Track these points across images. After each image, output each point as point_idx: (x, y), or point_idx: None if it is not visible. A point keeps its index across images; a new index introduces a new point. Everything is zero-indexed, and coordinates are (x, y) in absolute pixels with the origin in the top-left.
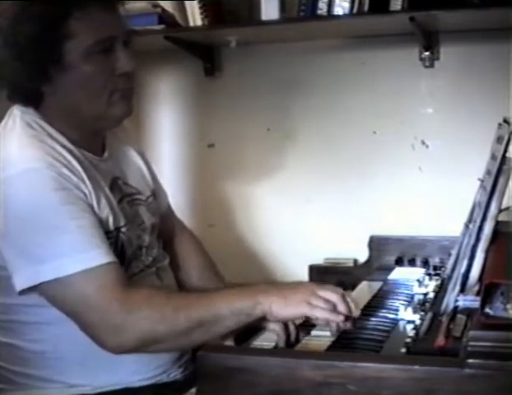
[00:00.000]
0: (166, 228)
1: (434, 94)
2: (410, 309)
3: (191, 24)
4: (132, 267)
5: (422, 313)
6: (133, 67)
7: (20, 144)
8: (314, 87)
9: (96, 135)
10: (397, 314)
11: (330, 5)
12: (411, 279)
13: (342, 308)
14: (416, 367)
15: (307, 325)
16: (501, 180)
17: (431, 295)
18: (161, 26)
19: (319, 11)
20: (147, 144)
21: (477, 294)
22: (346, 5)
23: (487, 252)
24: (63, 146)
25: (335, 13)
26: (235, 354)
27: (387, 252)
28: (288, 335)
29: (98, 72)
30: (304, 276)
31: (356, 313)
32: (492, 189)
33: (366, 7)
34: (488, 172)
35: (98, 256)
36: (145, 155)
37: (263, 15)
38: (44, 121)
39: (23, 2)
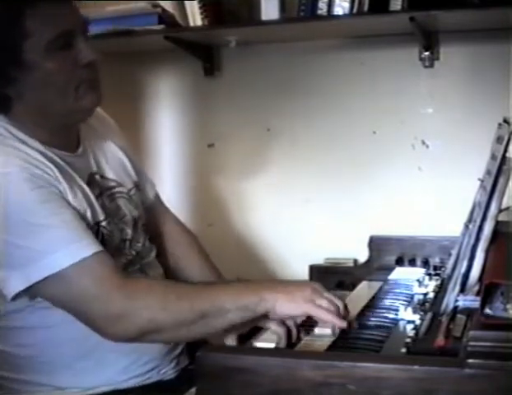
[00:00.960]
0: (154, 218)
1: (434, 94)
2: (410, 309)
3: (191, 24)
4: (119, 261)
5: (422, 313)
6: (96, 57)
7: None
8: (313, 87)
9: (69, 131)
10: (397, 314)
11: (330, 5)
12: (411, 279)
13: (344, 313)
14: (416, 367)
15: (307, 325)
16: (501, 180)
17: (431, 295)
18: (161, 26)
19: (319, 11)
20: (147, 144)
21: (477, 294)
22: (346, 5)
23: (487, 252)
24: (34, 149)
25: (335, 13)
26: (235, 354)
27: (387, 252)
28: (290, 335)
29: (60, 67)
30: (305, 276)
31: (354, 325)
32: (492, 189)
33: (366, 7)
34: (488, 172)
35: (88, 246)
36: (128, 148)
37: (263, 15)
38: (13, 126)
39: None
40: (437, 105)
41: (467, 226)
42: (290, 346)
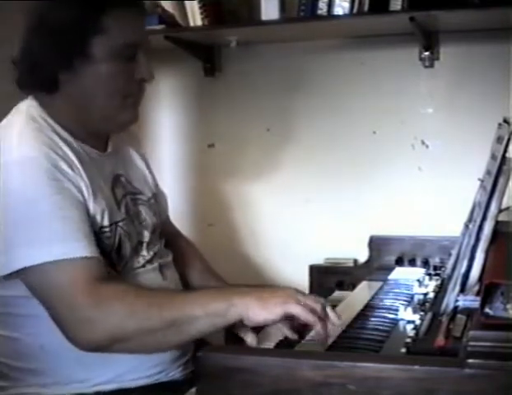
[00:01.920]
0: (164, 234)
1: (434, 94)
2: (410, 309)
3: (191, 24)
4: (133, 262)
5: (422, 313)
6: (152, 78)
7: (21, 134)
8: (313, 87)
9: (100, 133)
10: (397, 314)
11: (330, 5)
12: (411, 279)
13: (320, 314)
14: (416, 367)
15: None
16: (501, 180)
17: (431, 295)
18: (161, 26)
19: (319, 11)
20: (147, 144)
21: (477, 294)
22: (346, 5)
23: (487, 252)
24: (64, 140)
25: (335, 13)
26: (235, 354)
27: (387, 252)
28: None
29: (117, 74)
30: (305, 276)
31: (338, 322)
32: (492, 189)
33: (366, 7)
34: (488, 172)
35: (77, 248)
36: (147, 159)
37: (263, 15)
38: (50, 116)
39: None
40: (437, 105)
41: (467, 226)
42: (290, 346)
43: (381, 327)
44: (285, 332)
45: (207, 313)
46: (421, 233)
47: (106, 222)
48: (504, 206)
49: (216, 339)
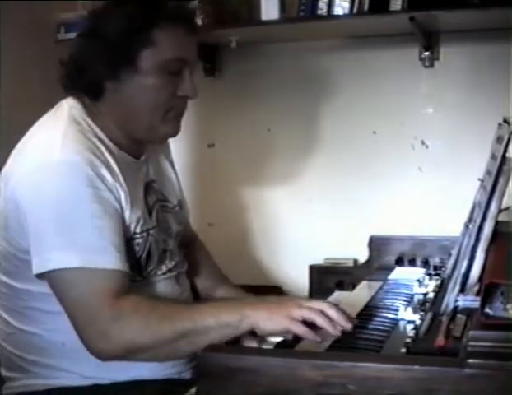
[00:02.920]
0: (186, 239)
1: (434, 94)
2: (410, 309)
3: None
4: (157, 269)
5: (422, 313)
6: (196, 96)
7: (66, 134)
8: (313, 87)
9: (139, 141)
10: (397, 314)
11: (330, 5)
12: (411, 279)
13: (331, 312)
14: (416, 367)
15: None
16: (501, 180)
17: (431, 295)
18: None
19: (319, 11)
20: None
21: (477, 294)
22: (346, 5)
23: (487, 252)
24: (106, 146)
25: (335, 13)
26: (236, 354)
27: (387, 252)
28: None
29: (163, 87)
30: (305, 276)
31: (347, 326)
32: (492, 189)
33: (366, 7)
34: (488, 172)
35: (105, 260)
36: (174, 165)
37: (263, 15)
38: (94, 122)
39: (116, 1)
40: (437, 105)
41: (467, 226)
42: (290, 346)
43: (381, 327)
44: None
45: (219, 324)
46: (421, 233)
47: (139, 229)
48: (504, 206)
49: None
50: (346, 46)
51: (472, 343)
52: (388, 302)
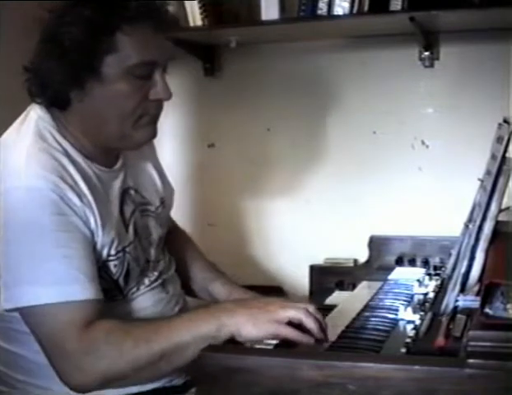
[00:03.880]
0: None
1: (434, 94)
2: (410, 309)
3: (191, 24)
4: (140, 285)
5: (422, 313)
6: (169, 96)
7: (28, 157)
8: (313, 87)
9: (111, 150)
10: (397, 314)
11: (330, 5)
12: (411, 279)
13: (308, 322)
14: (416, 367)
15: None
16: (501, 180)
17: (431, 295)
18: None
19: (319, 11)
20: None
21: (477, 294)
22: (346, 5)
23: (487, 252)
24: (73, 162)
25: (335, 13)
26: (236, 354)
27: (387, 252)
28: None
29: (132, 93)
30: (305, 276)
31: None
32: (492, 189)
33: (366, 7)
34: (488, 172)
35: (75, 291)
36: (159, 164)
37: (263, 15)
38: (59, 132)
39: (75, 3)
40: (437, 105)
41: (467, 226)
42: (290, 347)
43: (381, 327)
44: None
45: (195, 337)
46: (421, 233)
47: (113, 251)
48: (504, 206)
49: None
50: (346, 46)
51: (472, 343)
52: (388, 302)
